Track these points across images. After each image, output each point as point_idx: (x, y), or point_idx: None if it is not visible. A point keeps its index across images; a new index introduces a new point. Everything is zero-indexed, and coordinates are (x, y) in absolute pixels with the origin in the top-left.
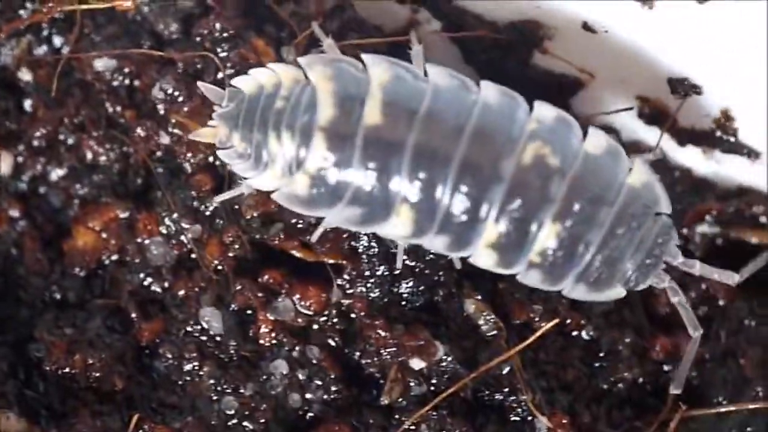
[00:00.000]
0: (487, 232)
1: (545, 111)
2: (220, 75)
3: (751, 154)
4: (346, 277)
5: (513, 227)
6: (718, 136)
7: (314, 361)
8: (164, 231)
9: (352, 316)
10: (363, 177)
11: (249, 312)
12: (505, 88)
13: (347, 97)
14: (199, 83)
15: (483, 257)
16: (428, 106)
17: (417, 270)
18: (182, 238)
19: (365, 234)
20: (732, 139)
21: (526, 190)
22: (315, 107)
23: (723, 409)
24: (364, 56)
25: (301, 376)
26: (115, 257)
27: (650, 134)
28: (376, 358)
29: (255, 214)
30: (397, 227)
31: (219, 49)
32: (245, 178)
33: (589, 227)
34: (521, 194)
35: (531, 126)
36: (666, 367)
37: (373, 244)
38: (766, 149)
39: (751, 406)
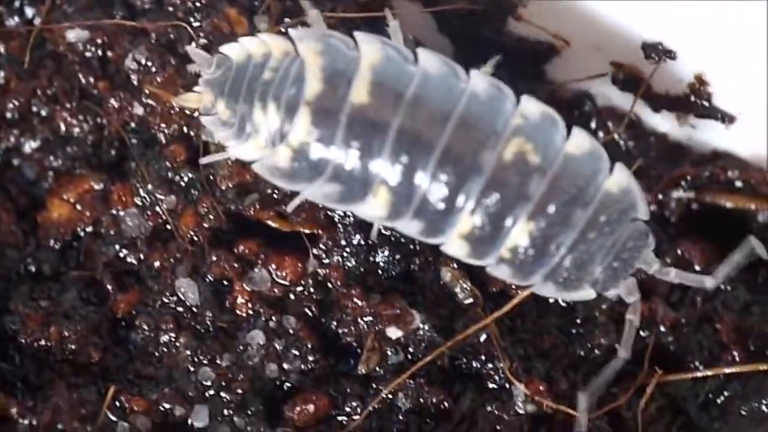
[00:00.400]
0: (461, 222)
1: (531, 106)
2: (193, 45)
3: (726, 118)
4: (322, 246)
5: (487, 221)
6: (693, 101)
7: (291, 331)
8: (139, 202)
9: (329, 285)
10: (344, 155)
11: (225, 283)
12: (494, 79)
13: (335, 74)
14: (188, 47)
15: (455, 247)
16: (416, 90)
17: (393, 239)
18: (157, 209)
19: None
20: (706, 104)
21: (505, 186)
22: (303, 81)
23: (699, 374)
24: (356, 34)
25: (277, 347)
26: (89, 229)
27: (625, 100)
28: (352, 328)
29: (230, 185)
30: (373, 208)
31: (192, 19)
32: (226, 146)
33: (562, 228)
34: (499, 189)
35: (516, 121)
36: (642, 333)
37: (349, 213)
38: (741, 114)
39: (727, 371)
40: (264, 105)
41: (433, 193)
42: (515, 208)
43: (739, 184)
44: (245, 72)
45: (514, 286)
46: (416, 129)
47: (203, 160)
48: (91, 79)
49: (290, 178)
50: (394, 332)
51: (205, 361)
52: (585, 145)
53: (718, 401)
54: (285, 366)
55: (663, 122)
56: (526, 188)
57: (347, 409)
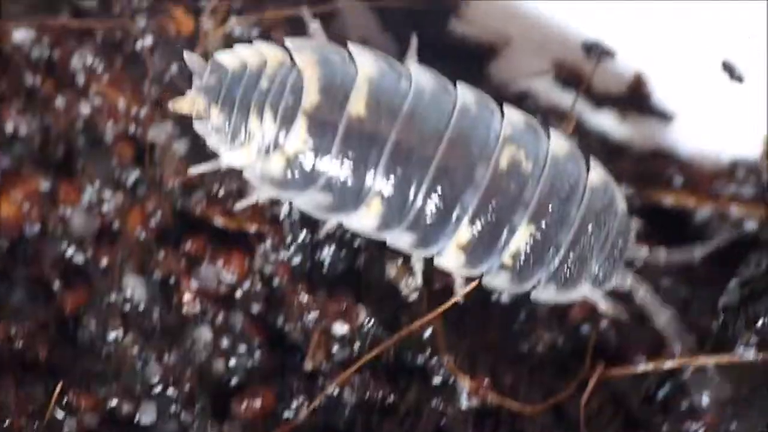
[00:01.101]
0: (459, 233)
1: (515, 116)
2: (139, 45)
3: (665, 116)
4: (268, 243)
5: (487, 229)
6: (632, 99)
7: (238, 328)
8: (86, 201)
9: (275, 282)
10: (339, 165)
11: (172, 280)
12: (479, 90)
13: (333, 85)
14: (186, 53)
15: (450, 258)
16: (411, 104)
17: (338, 236)
18: (104, 207)
19: (287, 201)
20: (645, 102)
21: (502, 193)
22: (300, 91)
23: (641, 369)
24: (351, 47)
25: (225, 343)
26: (37, 228)
27: (566, 98)
28: (299, 324)
29: (176, 183)
30: (364, 219)
31: (138, 19)
32: (217, 153)
33: (560, 228)
34: (497, 197)
35: (506, 130)
36: (584, 329)
37: (294, 210)
38: (680, 111)
39: (667, 365)
40: (260, 113)
41: (429, 206)
42: (514, 214)
43: (678, 181)
44: (241, 80)
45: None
46: (412, 143)
47: (194, 170)
48: (38, 79)
49: (282, 186)
50: (339, 328)
51: (152, 358)
52: (565, 146)
53: (660, 395)
54: (232, 362)
55: (604, 120)
56: (523, 193)
57: (294, 405)
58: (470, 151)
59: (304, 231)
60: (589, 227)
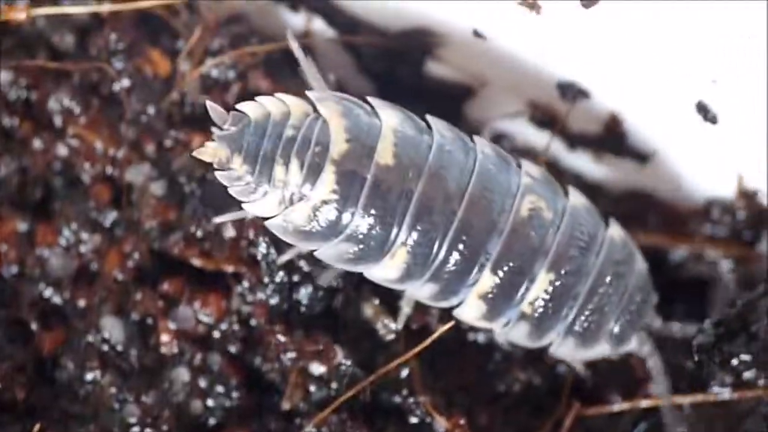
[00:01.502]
0: (480, 283)
1: (531, 167)
2: (116, 87)
3: (640, 157)
4: (245, 284)
5: (508, 278)
6: (607, 140)
7: (215, 369)
8: (63, 242)
9: (253, 323)
10: (366, 215)
11: (150, 321)
12: (493, 144)
13: (360, 135)
14: (207, 102)
15: (471, 308)
16: (435, 155)
17: (316, 276)
18: (81, 249)
19: (264, 241)
20: (620, 143)
21: (523, 241)
22: (327, 140)
23: (616, 408)
24: (371, 99)
25: (202, 384)
26: (14, 269)
27: (542, 139)
28: (276, 364)
29: (154, 224)
30: (388, 270)
31: (115, 61)
32: (242, 202)
33: (578, 278)
34: (518, 246)
35: (525, 180)
36: (560, 368)
37: (272, 251)
38: (655, 152)
39: (643, 405)
40: (287, 162)
41: (452, 256)
42: (534, 263)
43: (654, 221)
44: (265, 129)
45: (434, 322)
46: (437, 193)
47: (218, 219)
48: (15, 121)
49: (306, 236)
50: (317, 368)
51: (130, 399)
52: (583, 200)
53: None
54: (210, 402)
55: (579, 160)
56: (543, 241)
57: None
58: (492, 202)
59: (282, 272)
60: (608, 277)
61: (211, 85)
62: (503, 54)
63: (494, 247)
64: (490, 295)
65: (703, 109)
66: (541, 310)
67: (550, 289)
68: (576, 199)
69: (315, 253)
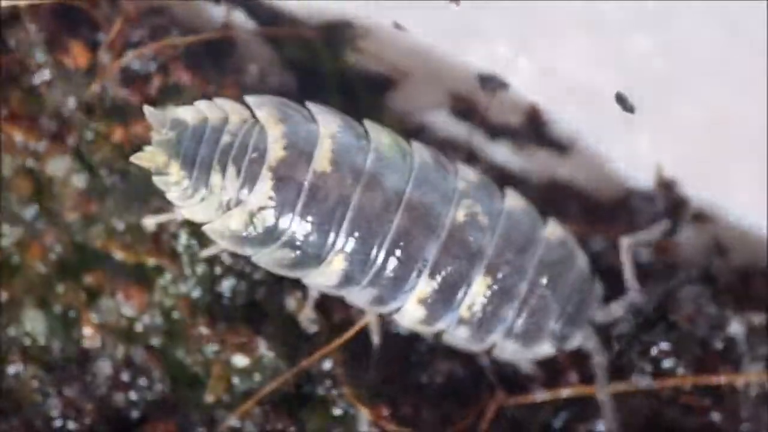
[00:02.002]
0: (419, 287)
1: (468, 172)
2: (36, 79)
3: (561, 147)
4: (167, 277)
5: (446, 282)
6: (528, 130)
7: (138, 361)
8: None
9: (175, 315)
10: (303, 222)
11: (72, 314)
12: (432, 147)
13: (298, 141)
14: (145, 107)
15: (410, 312)
16: (372, 161)
17: (238, 268)
18: (3, 242)
19: (185, 233)
20: (541, 133)
21: (460, 245)
22: (264, 147)
23: (538, 397)
24: (310, 105)
25: (125, 377)
26: None
27: (463, 131)
28: (199, 357)
29: (76, 216)
30: (325, 276)
31: (35, 53)
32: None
33: (516, 279)
34: (455, 249)
35: (461, 185)
36: (482, 359)
37: (193, 242)
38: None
39: (564, 394)
40: (223, 169)
41: (390, 262)
42: (472, 267)
43: (574, 211)
44: (202, 135)
45: (356, 314)
46: (375, 200)
47: (147, 221)
48: None
49: (242, 242)
50: (240, 360)
51: (52, 392)
52: (521, 202)
53: (557, 424)
54: (132, 395)
55: (501, 151)
56: (480, 246)
57: None
58: (430, 208)
59: (204, 264)
60: (544, 280)
61: (132, 78)
62: (424, 46)
63: (432, 252)
64: (429, 300)
65: (621, 100)
66: (479, 313)
67: (488, 292)
68: (513, 201)
69: (252, 259)
